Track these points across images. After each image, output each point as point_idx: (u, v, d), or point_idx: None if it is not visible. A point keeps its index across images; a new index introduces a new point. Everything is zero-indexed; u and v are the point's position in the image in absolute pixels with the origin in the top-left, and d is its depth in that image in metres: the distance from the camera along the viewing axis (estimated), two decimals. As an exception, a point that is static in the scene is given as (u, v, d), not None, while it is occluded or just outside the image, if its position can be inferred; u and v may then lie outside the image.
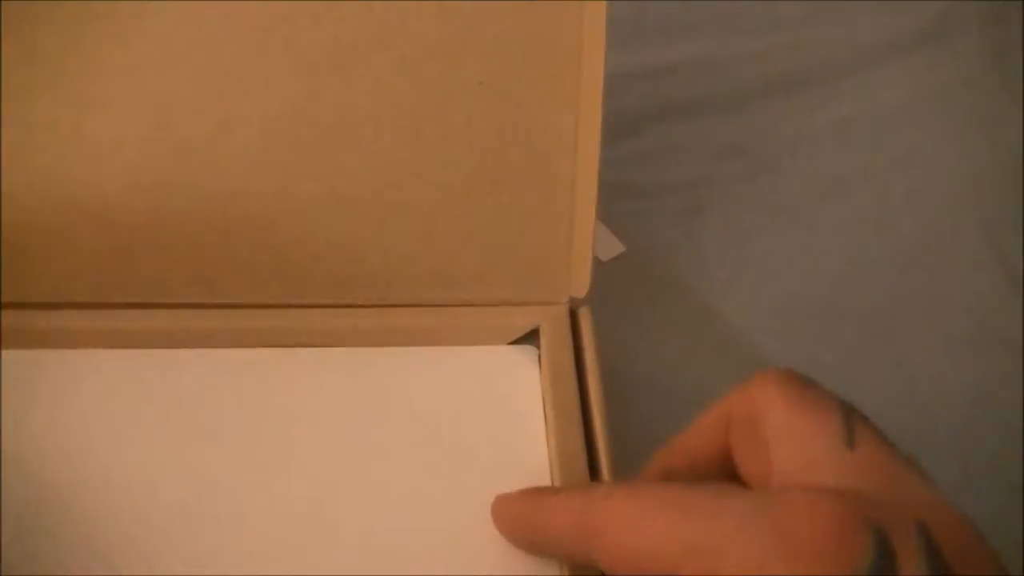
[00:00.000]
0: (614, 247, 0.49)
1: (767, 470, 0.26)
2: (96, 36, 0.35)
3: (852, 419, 0.25)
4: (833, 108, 0.57)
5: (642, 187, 0.52)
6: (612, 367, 0.36)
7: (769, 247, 0.51)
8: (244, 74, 0.36)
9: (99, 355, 0.36)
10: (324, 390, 0.36)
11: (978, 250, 0.51)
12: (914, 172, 0.54)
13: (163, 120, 0.36)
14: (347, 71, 0.36)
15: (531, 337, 0.38)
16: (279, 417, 0.35)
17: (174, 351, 0.36)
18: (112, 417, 0.34)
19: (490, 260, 0.38)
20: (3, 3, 0.35)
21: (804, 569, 0.22)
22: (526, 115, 0.37)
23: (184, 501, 0.32)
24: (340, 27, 0.36)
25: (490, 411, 0.35)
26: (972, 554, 0.23)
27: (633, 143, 0.54)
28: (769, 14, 0.60)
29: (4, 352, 0.35)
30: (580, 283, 0.38)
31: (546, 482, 0.33)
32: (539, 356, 0.37)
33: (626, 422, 0.34)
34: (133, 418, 0.34)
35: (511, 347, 0.37)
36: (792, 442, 0.25)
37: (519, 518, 0.30)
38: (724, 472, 0.28)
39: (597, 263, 0.38)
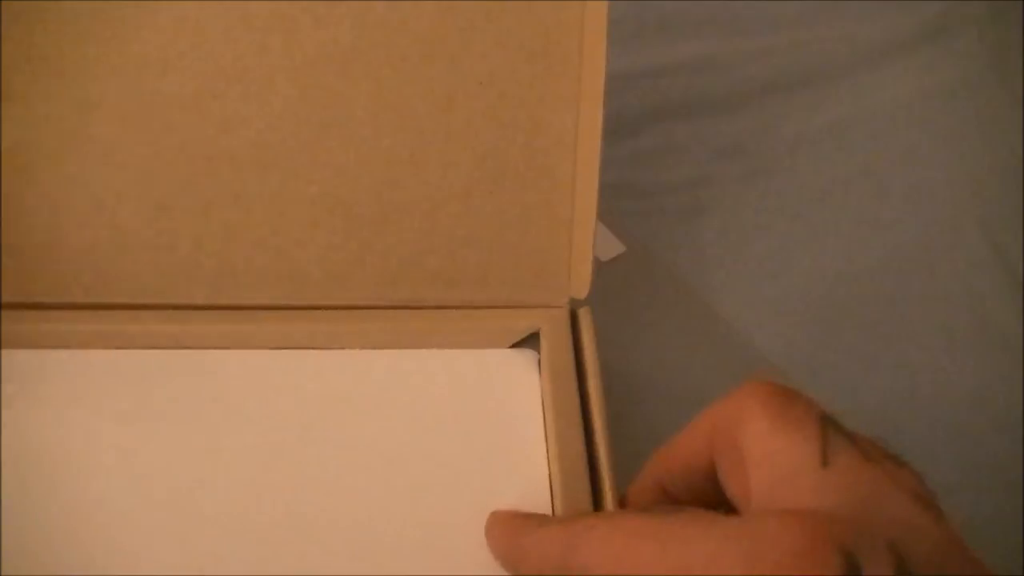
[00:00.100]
0: (614, 247, 0.49)
1: (748, 486, 0.26)
2: (96, 36, 0.35)
3: (828, 434, 0.25)
4: (833, 108, 0.57)
5: (642, 187, 0.52)
6: (612, 367, 0.36)
7: (769, 247, 0.51)
8: (244, 74, 0.36)
9: (99, 355, 0.36)
10: (324, 392, 0.36)
11: (978, 250, 0.51)
12: (914, 172, 0.54)
13: (163, 120, 0.36)
14: (347, 71, 0.36)
15: (531, 339, 0.38)
16: (278, 418, 0.35)
17: (174, 352, 0.36)
18: (112, 417, 0.34)
19: (490, 261, 0.38)
20: (3, 3, 0.35)
21: None
22: (526, 115, 0.37)
23: (184, 501, 0.32)
24: (340, 27, 0.36)
25: (490, 414, 0.35)
26: (947, 567, 0.23)
27: (633, 143, 0.54)
28: (769, 14, 0.60)
29: (4, 352, 0.35)
30: (580, 284, 0.38)
31: (544, 486, 0.33)
32: (539, 360, 0.37)
33: (626, 422, 0.34)
34: (133, 419, 0.34)
35: (511, 350, 0.37)
36: (769, 462, 0.26)
37: (507, 545, 0.31)
38: (713, 481, 0.28)
39: (597, 263, 0.38)
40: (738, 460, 0.26)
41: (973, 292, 0.49)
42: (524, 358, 0.37)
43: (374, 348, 0.37)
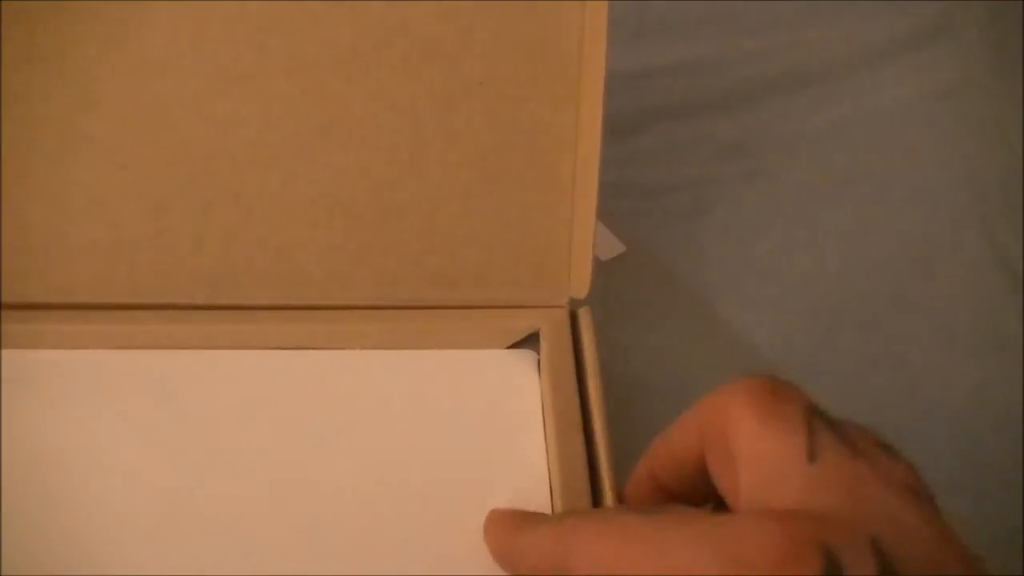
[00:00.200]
0: (614, 247, 0.49)
1: (737, 483, 0.26)
2: (96, 36, 0.35)
3: (816, 427, 0.25)
4: (833, 108, 0.57)
5: (642, 187, 0.52)
6: (612, 367, 0.36)
7: (769, 247, 0.51)
8: (244, 74, 0.36)
9: (99, 355, 0.36)
10: (323, 392, 0.36)
11: (978, 250, 0.51)
12: (914, 172, 0.54)
13: (163, 120, 0.36)
14: (347, 71, 0.36)
15: (531, 339, 0.38)
16: (278, 418, 0.35)
17: (174, 352, 0.36)
18: (112, 417, 0.34)
19: (490, 261, 0.38)
20: (3, 3, 0.35)
21: None
22: (526, 115, 0.37)
23: (184, 501, 0.32)
24: (340, 27, 0.36)
25: (489, 415, 0.35)
26: (935, 565, 0.23)
27: (633, 143, 0.54)
28: (769, 14, 0.60)
29: (4, 352, 0.35)
30: (580, 284, 0.38)
31: (544, 487, 0.33)
32: (538, 360, 0.37)
33: (626, 422, 0.34)
34: (133, 419, 0.34)
35: (511, 351, 0.37)
36: (756, 459, 0.26)
37: (503, 545, 0.31)
38: (704, 474, 0.28)
39: (597, 263, 0.38)
40: (728, 457, 0.27)
41: (973, 292, 0.49)
42: (524, 358, 0.37)
43: (374, 348, 0.37)
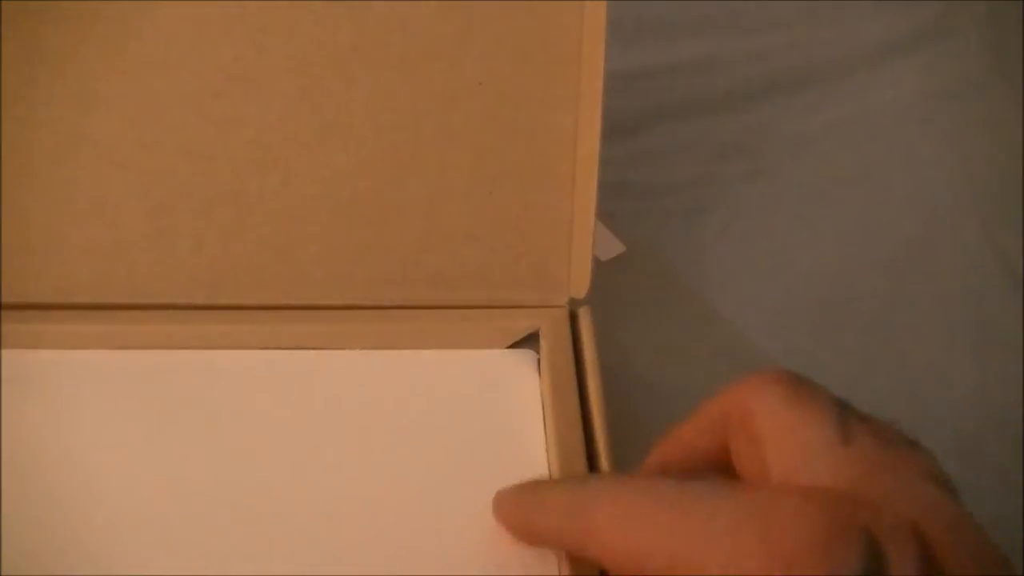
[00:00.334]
0: (614, 247, 0.49)
1: (763, 469, 0.26)
2: (96, 36, 0.35)
3: (847, 415, 0.25)
4: (833, 108, 0.57)
5: (642, 187, 0.52)
6: (612, 367, 0.36)
7: (769, 247, 0.51)
8: (244, 74, 0.36)
9: (99, 355, 0.36)
10: (323, 393, 0.36)
11: (978, 250, 0.51)
12: (914, 172, 0.54)
13: (163, 120, 0.36)
14: (347, 71, 0.36)
15: (531, 338, 0.38)
16: (278, 419, 0.35)
17: (174, 352, 0.36)
18: (112, 417, 0.34)
19: (490, 260, 0.38)
20: (3, 3, 0.35)
21: None
22: (526, 115, 0.37)
23: (184, 502, 0.32)
24: (340, 27, 0.36)
25: (489, 415, 0.35)
26: (969, 553, 0.23)
27: (633, 143, 0.54)
28: (769, 14, 0.60)
29: (4, 352, 0.35)
30: (580, 284, 0.38)
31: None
32: (538, 360, 0.37)
33: (626, 423, 0.34)
34: (133, 419, 0.34)
35: (510, 351, 0.37)
36: (787, 441, 0.25)
37: (516, 512, 0.30)
38: (720, 467, 0.28)
39: (597, 263, 0.38)
40: (753, 443, 0.26)
41: (973, 292, 0.49)
42: (523, 358, 0.37)
43: (374, 348, 0.37)
